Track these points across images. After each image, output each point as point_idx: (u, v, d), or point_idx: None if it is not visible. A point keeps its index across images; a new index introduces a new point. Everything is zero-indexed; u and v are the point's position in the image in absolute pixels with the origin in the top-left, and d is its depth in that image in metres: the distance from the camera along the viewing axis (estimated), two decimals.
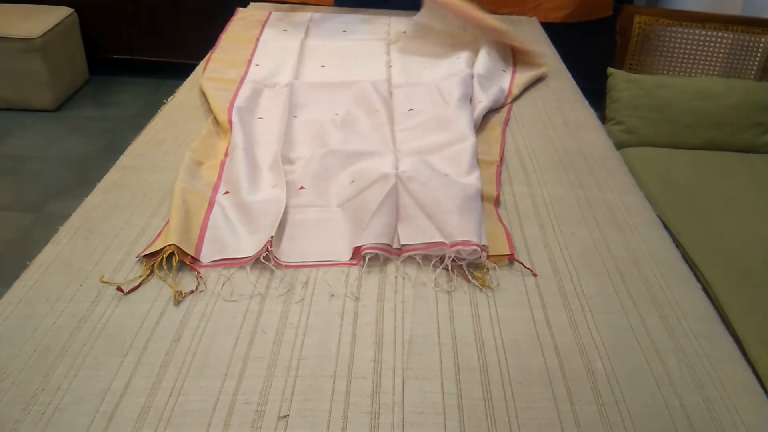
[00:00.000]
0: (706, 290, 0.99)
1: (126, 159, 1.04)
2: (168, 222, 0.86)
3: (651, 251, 0.88)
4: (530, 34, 1.75)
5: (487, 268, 0.82)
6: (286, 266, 0.81)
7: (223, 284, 0.78)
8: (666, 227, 0.96)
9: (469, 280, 0.80)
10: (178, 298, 0.75)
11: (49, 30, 2.63)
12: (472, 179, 0.95)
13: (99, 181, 0.97)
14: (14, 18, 2.66)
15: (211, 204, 0.91)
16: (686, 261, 0.92)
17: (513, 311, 0.76)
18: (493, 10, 2.49)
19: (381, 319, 0.74)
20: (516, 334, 0.73)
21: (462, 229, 0.83)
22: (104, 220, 0.88)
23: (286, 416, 0.61)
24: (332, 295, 0.77)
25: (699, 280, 0.87)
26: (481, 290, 0.78)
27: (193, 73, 1.39)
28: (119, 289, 0.76)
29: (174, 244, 0.80)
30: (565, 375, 0.68)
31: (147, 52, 2.98)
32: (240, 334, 0.71)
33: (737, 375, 0.69)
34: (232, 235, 0.86)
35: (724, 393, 0.67)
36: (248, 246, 0.84)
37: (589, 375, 0.68)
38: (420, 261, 0.82)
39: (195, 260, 0.81)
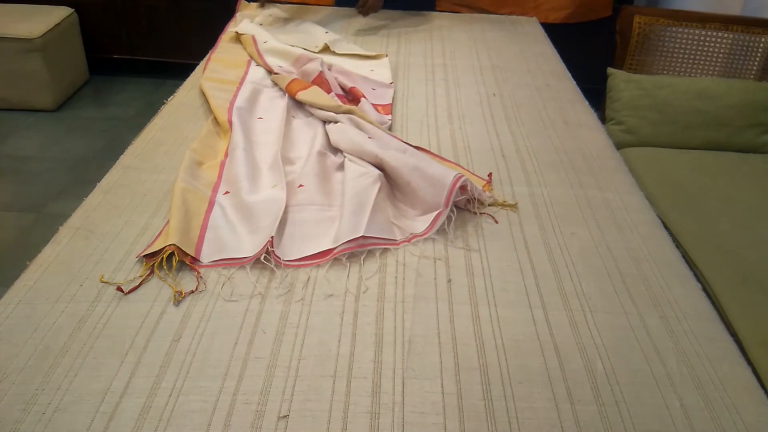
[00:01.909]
0: (706, 290, 0.99)
1: (126, 159, 1.04)
2: (168, 222, 0.86)
3: (651, 251, 0.88)
4: (530, 34, 1.76)
5: (491, 196, 0.97)
6: (286, 265, 0.82)
7: (223, 284, 0.78)
8: (666, 227, 0.96)
9: (497, 221, 0.93)
10: (178, 298, 0.75)
11: (49, 30, 2.63)
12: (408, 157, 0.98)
13: (99, 181, 0.97)
14: (14, 18, 2.66)
15: (211, 204, 0.91)
16: (686, 261, 0.92)
17: (513, 311, 0.76)
18: (493, 10, 2.51)
19: (381, 319, 0.74)
20: (516, 334, 0.73)
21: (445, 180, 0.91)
22: (104, 220, 0.88)
23: (286, 416, 0.61)
24: (332, 295, 0.77)
25: (699, 280, 0.87)
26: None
27: (193, 73, 1.39)
28: (119, 289, 0.76)
29: (174, 244, 0.80)
30: (565, 375, 0.68)
31: (147, 52, 2.98)
32: (240, 334, 0.71)
33: (737, 375, 0.69)
34: (232, 235, 0.86)
35: (724, 393, 0.67)
36: (248, 246, 0.84)
37: (589, 375, 0.68)
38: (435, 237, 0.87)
39: (195, 260, 0.81)
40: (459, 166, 1.06)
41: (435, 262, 0.83)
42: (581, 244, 0.89)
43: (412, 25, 1.78)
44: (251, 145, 1.06)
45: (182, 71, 1.53)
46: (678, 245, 1.13)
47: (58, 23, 2.70)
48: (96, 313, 0.72)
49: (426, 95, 1.34)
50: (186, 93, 1.29)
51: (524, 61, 1.56)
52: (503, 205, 0.96)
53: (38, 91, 2.67)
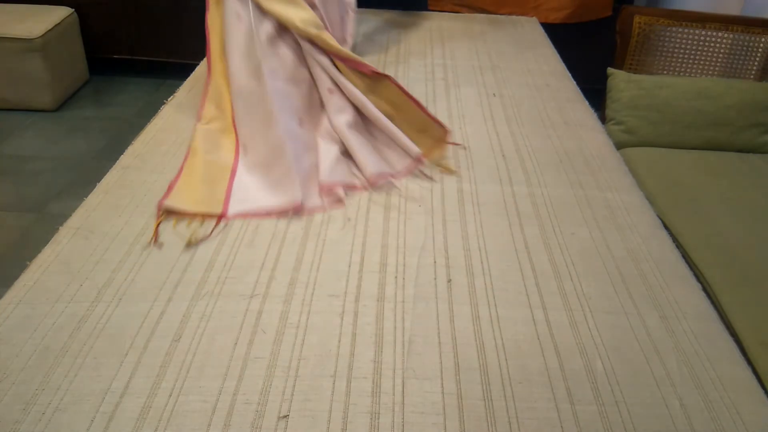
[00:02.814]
0: (706, 290, 0.99)
1: (126, 159, 1.04)
2: (180, 172, 0.96)
3: (651, 251, 0.88)
4: (530, 34, 1.76)
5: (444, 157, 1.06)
6: (321, 187, 0.94)
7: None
8: (666, 227, 0.96)
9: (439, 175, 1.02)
10: (194, 241, 0.80)
11: (49, 30, 2.63)
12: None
13: (99, 181, 0.97)
14: (14, 18, 2.66)
15: (233, 172, 0.98)
16: (686, 261, 0.92)
17: (513, 311, 0.76)
18: (494, 11, 2.50)
19: (381, 319, 0.74)
20: (516, 334, 0.73)
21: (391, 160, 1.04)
22: (104, 220, 0.88)
23: (286, 416, 0.61)
24: (332, 295, 0.77)
25: (699, 280, 0.87)
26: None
27: (193, 73, 1.39)
28: (155, 235, 0.83)
29: (200, 212, 0.88)
30: (565, 375, 0.68)
31: (147, 52, 2.98)
32: (240, 334, 0.71)
33: (737, 375, 0.69)
34: (256, 194, 0.94)
35: (724, 393, 0.67)
36: (272, 197, 0.92)
37: (589, 375, 0.68)
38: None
39: (222, 216, 0.89)
40: (429, 116, 1.09)
41: (435, 262, 0.83)
42: (581, 244, 0.89)
43: (412, 25, 1.78)
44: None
45: (182, 71, 1.53)
46: (678, 245, 1.13)
47: (58, 23, 2.70)
48: (96, 313, 0.72)
49: (426, 95, 1.34)
50: (186, 93, 1.29)
51: (524, 61, 1.56)
52: (444, 168, 1.04)
53: (38, 91, 2.67)
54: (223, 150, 1.03)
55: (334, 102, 1.07)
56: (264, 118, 1.01)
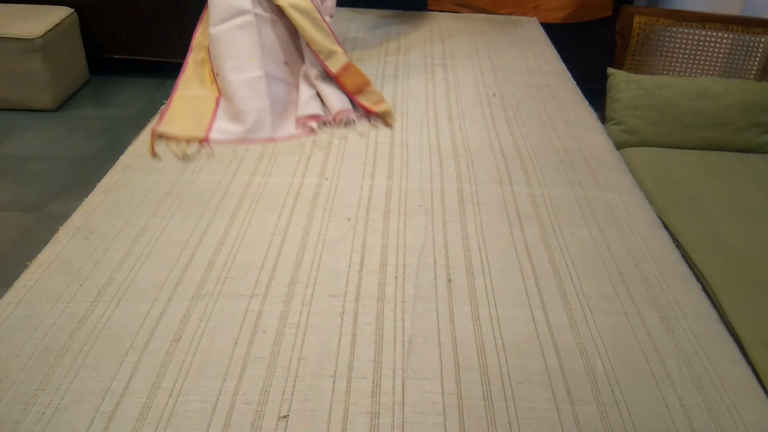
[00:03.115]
0: (706, 290, 0.99)
1: (126, 159, 1.04)
2: (170, 101, 1.11)
3: (651, 251, 0.88)
4: (530, 34, 1.76)
5: (386, 111, 1.20)
6: (298, 119, 1.13)
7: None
8: (666, 227, 0.96)
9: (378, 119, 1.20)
10: (183, 155, 0.97)
11: (49, 30, 2.63)
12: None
13: (99, 181, 0.97)
14: (14, 18, 2.66)
15: (217, 103, 1.13)
16: (686, 261, 0.92)
17: (513, 311, 0.76)
18: (494, 11, 2.51)
19: (381, 319, 0.74)
20: (516, 334, 0.73)
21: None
22: (104, 220, 0.88)
23: (286, 416, 0.61)
24: (332, 295, 0.77)
25: (699, 280, 0.87)
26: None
27: None
28: (152, 149, 1.01)
29: (186, 136, 1.04)
30: (565, 375, 0.68)
31: (147, 52, 2.98)
32: (240, 334, 0.71)
33: (737, 375, 0.69)
34: (235, 127, 1.09)
35: (724, 393, 0.67)
36: (247, 131, 1.08)
37: (589, 375, 0.68)
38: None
39: (204, 141, 1.06)
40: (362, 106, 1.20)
41: (435, 262, 0.83)
42: (581, 244, 0.89)
43: (412, 25, 1.78)
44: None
45: None
46: (678, 245, 1.13)
47: (58, 23, 2.70)
48: (96, 313, 0.72)
49: (426, 95, 1.34)
50: None
51: (524, 61, 1.56)
52: (386, 120, 1.18)
53: (38, 91, 2.67)
54: (209, 84, 1.18)
55: (309, 54, 1.22)
56: (238, 57, 1.15)
